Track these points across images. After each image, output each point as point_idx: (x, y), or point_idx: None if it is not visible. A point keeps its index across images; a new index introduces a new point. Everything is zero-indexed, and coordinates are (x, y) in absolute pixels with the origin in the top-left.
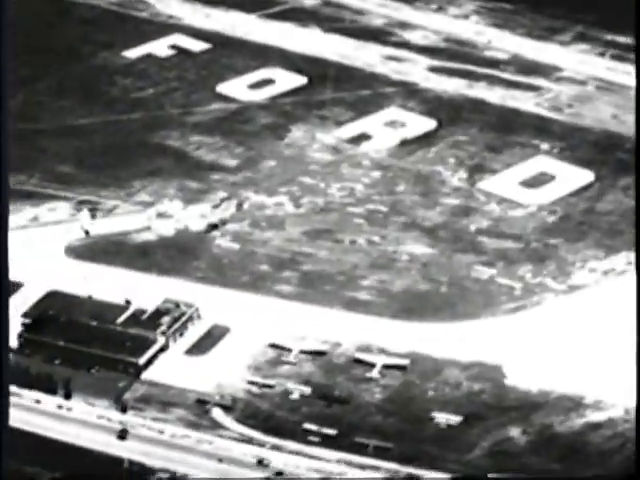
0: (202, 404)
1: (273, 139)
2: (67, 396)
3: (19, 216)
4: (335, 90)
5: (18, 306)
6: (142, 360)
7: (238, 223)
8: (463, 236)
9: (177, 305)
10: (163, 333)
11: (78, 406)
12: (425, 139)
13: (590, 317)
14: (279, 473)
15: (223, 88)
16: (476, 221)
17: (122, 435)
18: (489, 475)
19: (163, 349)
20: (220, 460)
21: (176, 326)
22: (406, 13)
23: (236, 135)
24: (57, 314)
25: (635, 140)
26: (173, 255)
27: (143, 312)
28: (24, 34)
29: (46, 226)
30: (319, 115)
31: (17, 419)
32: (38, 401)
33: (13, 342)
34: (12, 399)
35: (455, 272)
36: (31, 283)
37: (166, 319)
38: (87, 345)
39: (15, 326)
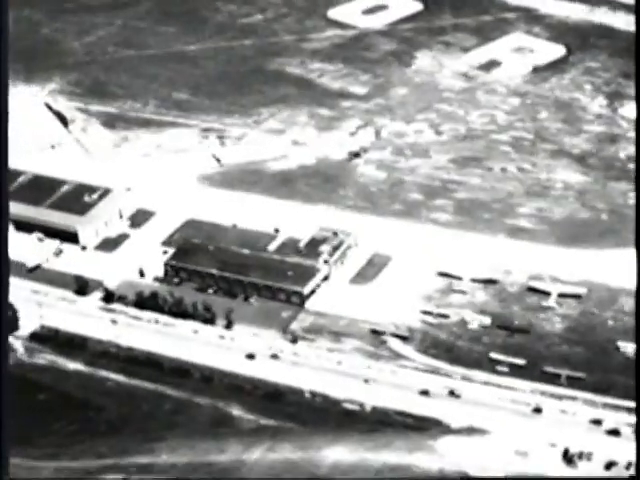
0: (377, 334)
1: (399, 66)
2: (228, 326)
3: (140, 144)
4: (454, 16)
5: (153, 234)
6: (307, 289)
7: (379, 151)
8: (614, 163)
9: (335, 233)
10: (326, 262)
11: (241, 336)
12: (557, 65)
13: None
14: (452, 392)
15: (335, 14)
16: (624, 148)
17: (251, 356)
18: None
19: (326, 278)
20: (412, 391)
21: (337, 254)
22: None
23: (359, 62)
24: (204, 242)
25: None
26: (317, 183)
27: (296, 240)
28: None
29: (172, 154)
30: (442, 41)
31: (173, 350)
32: (196, 331)
33: (158, 270)
34: (165, 329)
35: (612, 200)
36: (163, 211)
37: (326, 247)
38: (244, 274)
39: (154, 254)
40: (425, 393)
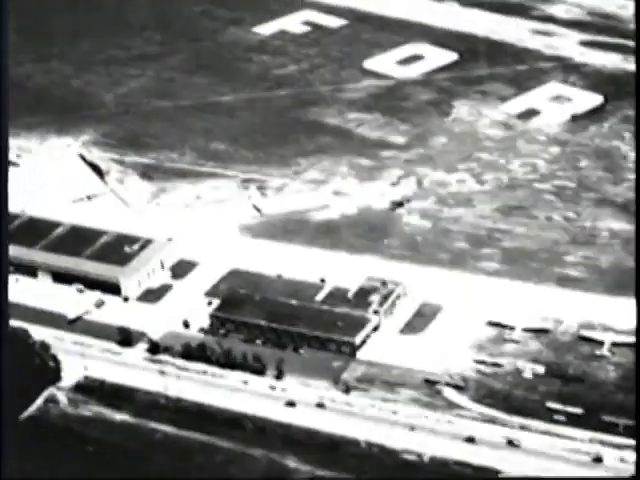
0: (431, 384)
1: (438, 115)
2: (279, 377)
3: (179, 195)
4: (490, 65)
5: (196, 285)
6: (358, 339)
7: (423, 200)
8: None
9: (384, 283)
10: (376, 312)
11: (293, 387)
12: (595, 114)
13: None
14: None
15: (370, 64)
16: None
17: (292, 403)
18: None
19: (376, 328)
20: (467, 440)
21: (387, 304)
22: None
23: (397, 112)
24: (250, 293)
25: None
26: (361, 233)
27: (343, 290)
28: (139, 11)
29: (212, 204)
30: (479, 91)
31: (223, 400)
32: (246, 382)
33: (203, 322)
34: (214, 380)
35: None
36: (205, 262)
37: (375, 297)
38: (293, 324)
39: (198, 305)
40: (473, 441)
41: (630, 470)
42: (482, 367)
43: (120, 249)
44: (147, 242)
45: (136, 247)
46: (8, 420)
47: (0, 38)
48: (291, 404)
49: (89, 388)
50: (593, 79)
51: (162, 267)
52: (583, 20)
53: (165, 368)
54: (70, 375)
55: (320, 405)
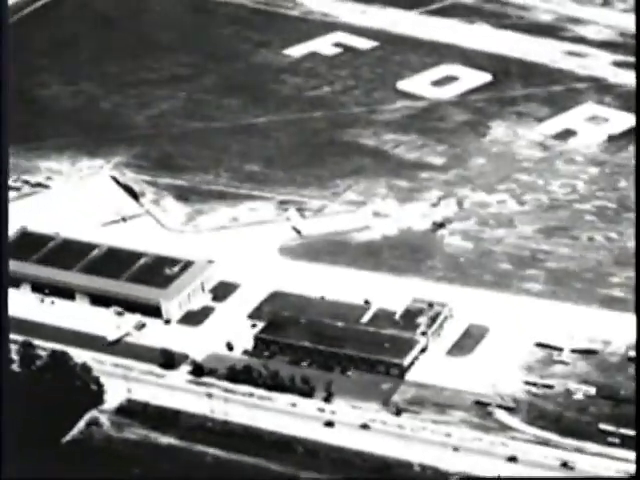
0: (482, 406)
1: (475, 136)
2: (327, 399)
3: (216, 216)
4: (524, 86)
5: (238, 307)
6: (407, 361)
7: (464, 221)
8: None
9: (430, 305)
10: (423, 334)
11: (342, 409)
12: (632, 134)
13: None
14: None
15: (404, 85)
16: None
17: (330, 423)
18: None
19: (423, 350)
20: (513, 459)
21: (435, 326)
22: (572, 8)
23: (434, 133)
24: (295, 315)
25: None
26: (403, 254)
27: (389, 312)
28: (168, 33)
29: (250, 226)
30: (515, 111)
31: (272, 423)
32: (294, 404)
33: (246, 344)
34: (262, 403)
35: None
36: (246, 284)
37: (423, 319)
38: (339, 346)
39: (241, 327)
40: (534, 464)
41: None
42: (533, 388)
43: (160, 271)
44: (188, 264)
45: (176, 269)
46: (8, 422)
47: (0, 41)
48: (329, 424)
49: (132, 411)
50: (628, 99)
51: (203, 289)
52: (614, 41)
53: (211, 391)
54: (113, 398)
55: (364, 426)
